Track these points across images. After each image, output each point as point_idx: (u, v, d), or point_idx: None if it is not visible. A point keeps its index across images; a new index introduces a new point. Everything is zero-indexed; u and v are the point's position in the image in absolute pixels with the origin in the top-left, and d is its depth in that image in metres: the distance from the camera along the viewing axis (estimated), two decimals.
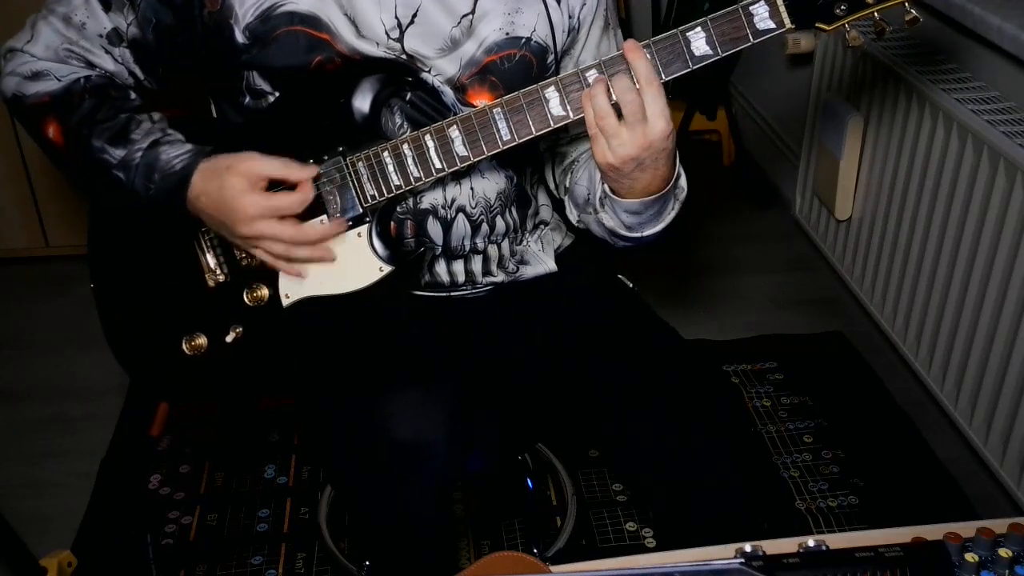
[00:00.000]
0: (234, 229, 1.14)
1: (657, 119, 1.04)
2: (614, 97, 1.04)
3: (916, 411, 2.15)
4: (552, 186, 1.41)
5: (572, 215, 1.34)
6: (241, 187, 1.12)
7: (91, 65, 1.20)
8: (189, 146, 1.18)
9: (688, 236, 2.89)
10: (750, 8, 1.04)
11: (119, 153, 1.16)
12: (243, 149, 1.17)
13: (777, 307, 2.58)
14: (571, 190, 1.32)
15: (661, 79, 1.05)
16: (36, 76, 1.18)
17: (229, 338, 1.21)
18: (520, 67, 1.22)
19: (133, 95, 1.23)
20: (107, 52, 1.20)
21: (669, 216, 1.18)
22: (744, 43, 1.05)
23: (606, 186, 1.15)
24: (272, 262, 1.18)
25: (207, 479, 2.07)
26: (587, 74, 1.07)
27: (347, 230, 1.18)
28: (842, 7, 1.05)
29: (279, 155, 1.15)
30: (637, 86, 1.03)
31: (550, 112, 1.10)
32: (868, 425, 2.15)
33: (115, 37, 1.19)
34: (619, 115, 1.04)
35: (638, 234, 1.19)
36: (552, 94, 1.09)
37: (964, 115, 1.85)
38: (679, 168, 1.15)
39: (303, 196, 1.14)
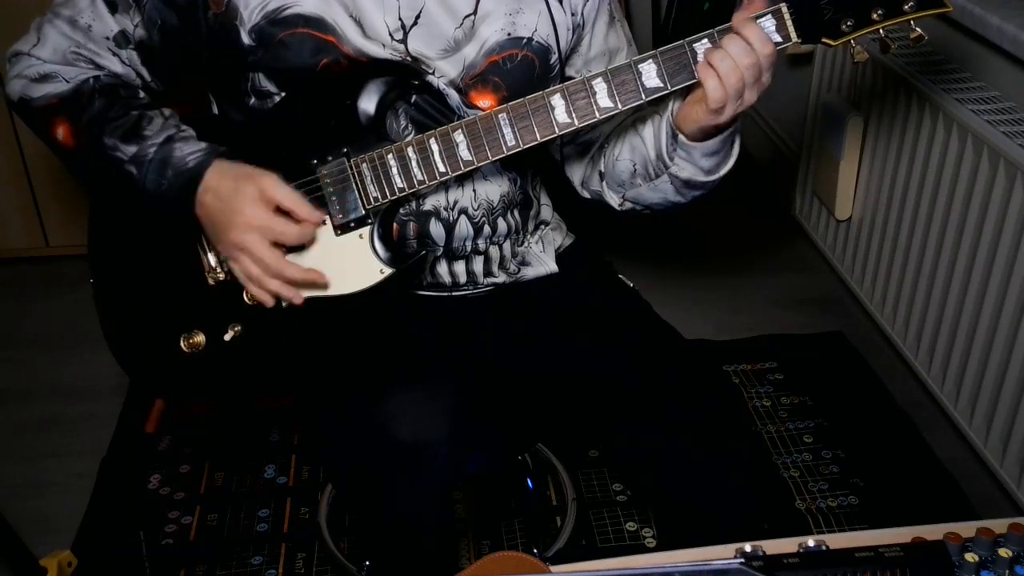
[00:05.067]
0: (227, 232, 1.14)
1: (767, 78, 1.07)
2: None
3: (916, 411, 2.15)
4: (578, 183, 1.38)
5: (614, 198, 1.30)
6: (253, 196, 1.12)
7: (99, 67, 1.20)
8: (203, 144, 1.17)
9: (688, 236, 2.89)
10: (758, 21, 1.05)
11: (131, 149, 1.16)
12: (247, 148, 1.17)
13: (777, 307, 2.58)
14: (609, 171, 1.29)
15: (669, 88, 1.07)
16: (44, 78, 1.18)
17: (228, 337, 1.21)
18: (522, 67, 1.22)
19: (142, 94, 1.23)
20: (114, 54, 1.20)
21: (735, 151, 1.19)
22: None
23: (679, 138, 1.15)
24: (244, 281, 1.17)
25: (207, 479, 2.07)
26: (593, 82, 1.08)
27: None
28: (848, 23, 1.06)
29: (283, 155, 1.16)
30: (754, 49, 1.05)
31: (555, 119, 1.10)
32: (868, 425, 2.15)
33: (122, 39, 1.19)
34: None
35: (715, 176, 1.19)
36: (558, 101, 1.09)
37: (964, 115, 1.85)
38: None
39: (302, 232, 1.14)
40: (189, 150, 1.16)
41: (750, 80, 1.05)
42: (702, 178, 1.18)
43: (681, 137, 1.15)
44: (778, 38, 1.06)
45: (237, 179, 1.13)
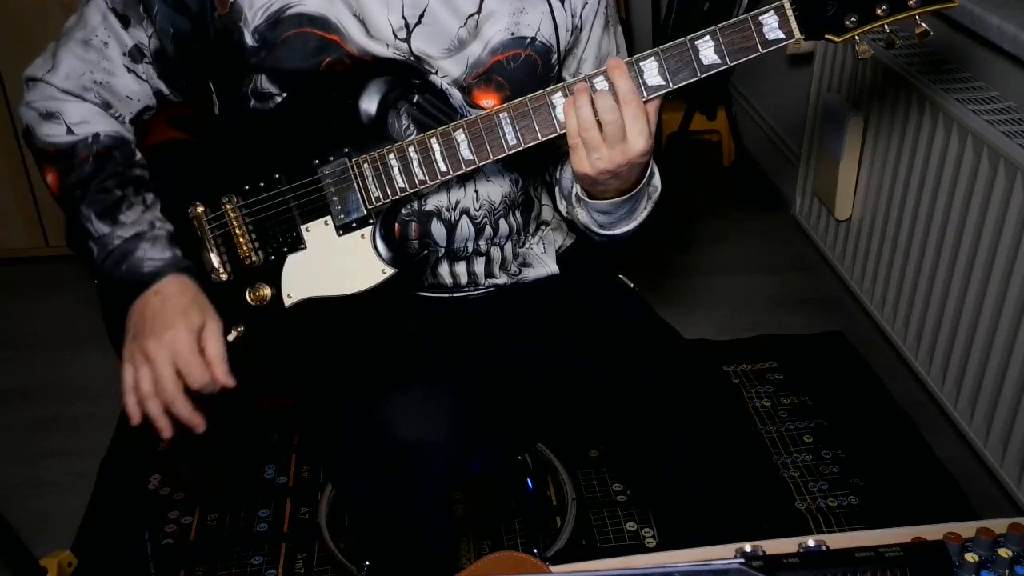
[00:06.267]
0: (146, 338, 1.12)
1: (637, 138, 1.06)
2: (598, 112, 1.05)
3: (916, 411, 2.15)
4: (547, 177, 1.41)
5: (561, 205, 1.36)
6: (193, 327, 1.12)
7: (107, 105, 1.19)
8: (168, 254, 1.16)
9: (688, 236, 2.89)
10: (760, 18, 1.04)
11: (103, 229, 1.16)
12: (248, 148, 1.18)
13: (777, 307, 2.58)
14: (560, 180, 1.34)
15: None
16: (49, 116, 1.18)
17: (230, 337, 1.21)
18: (525, 67, 1.22)
19: (138, 155, 1.21)
20: (130, 71, 1.20)
21: (641, 215, 1.22)
22: (753, 53, 1.06)
23: (578, 187, 1.18)
24: (125, 389, 1.13)
25: (207, 479, 2.07)
26: (595, 80, 1.08)
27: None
28: (852, 19, 1.04)
29: (285, 155, 1.17)
30: (619, 104, 1.05)
31: (556, 118, 1.10)
32: (868, 425, 2.15)
33: (137, 53, 1.19)
34: (601, 128, 1.06)
35: (610, 232, 1.23)
36: (559, 100, 1.09)
37: (964, 115, 1.85)
38: (652, 167, 1.17)
39: (209, 382, 1.13)
40: (151, 255, 1.15)
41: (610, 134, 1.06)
42: (596, 229, 1.23)
43: (576, 188, 1.18)
44: (781, 35, 1.04)
45: (191, 304, 1.14)
